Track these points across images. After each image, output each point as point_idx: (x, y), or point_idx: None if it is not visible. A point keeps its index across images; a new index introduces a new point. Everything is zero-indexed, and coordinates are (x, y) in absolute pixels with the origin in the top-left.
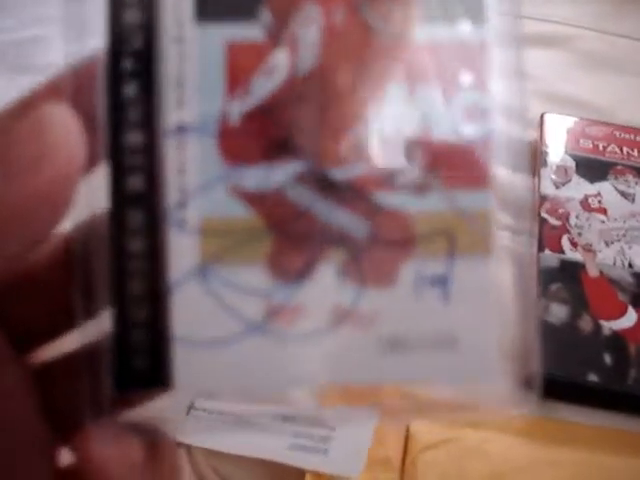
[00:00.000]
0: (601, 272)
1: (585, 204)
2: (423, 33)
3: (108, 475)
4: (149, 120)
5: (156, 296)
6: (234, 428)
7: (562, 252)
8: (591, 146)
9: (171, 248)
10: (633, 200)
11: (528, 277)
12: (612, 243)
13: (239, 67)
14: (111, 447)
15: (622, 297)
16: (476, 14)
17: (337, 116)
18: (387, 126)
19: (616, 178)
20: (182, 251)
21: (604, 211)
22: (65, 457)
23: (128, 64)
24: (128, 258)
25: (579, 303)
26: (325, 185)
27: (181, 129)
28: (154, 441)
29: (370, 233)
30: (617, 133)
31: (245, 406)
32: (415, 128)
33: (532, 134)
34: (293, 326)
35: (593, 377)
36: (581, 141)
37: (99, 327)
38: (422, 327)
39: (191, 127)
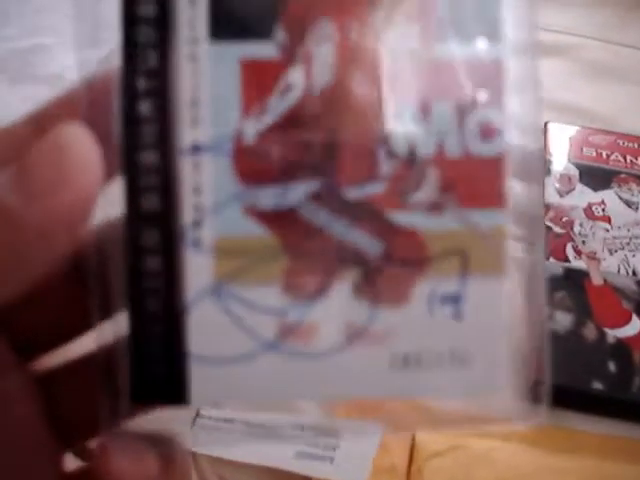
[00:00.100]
0: (605, 280)
1: (589, 212)
2: (438, 50)
3: None
4: (164, 139)
5: (172, 314)
6: (240, 436)
7: (566, 260)
8: (594, 155)
9: (186, 267)
10: (637, 208)
11: (538, 288)
12: (616, 251)
13: (254, 86)
14: (128, 460)
15: (626, 305)
16: (492, 31)
17: (351, 135)
18: (401, 145)
19: (620, 186)
20: (197, 270)
21: (608, 219)
22: (70, 463)
23: (142, 82)
24: (144, 277)
25: (583, 311)
26: (340, 204)
27: (196, 148)
28: (168, 453)
29: (384, 252)
30: (620, 142)
31: (252, 415)
32: (429, 146)
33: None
34: (307, 344)
35: (598, 385)
36: (584, 150)
37: (114, 339)
38: (435, 345)
39: (206, 146)
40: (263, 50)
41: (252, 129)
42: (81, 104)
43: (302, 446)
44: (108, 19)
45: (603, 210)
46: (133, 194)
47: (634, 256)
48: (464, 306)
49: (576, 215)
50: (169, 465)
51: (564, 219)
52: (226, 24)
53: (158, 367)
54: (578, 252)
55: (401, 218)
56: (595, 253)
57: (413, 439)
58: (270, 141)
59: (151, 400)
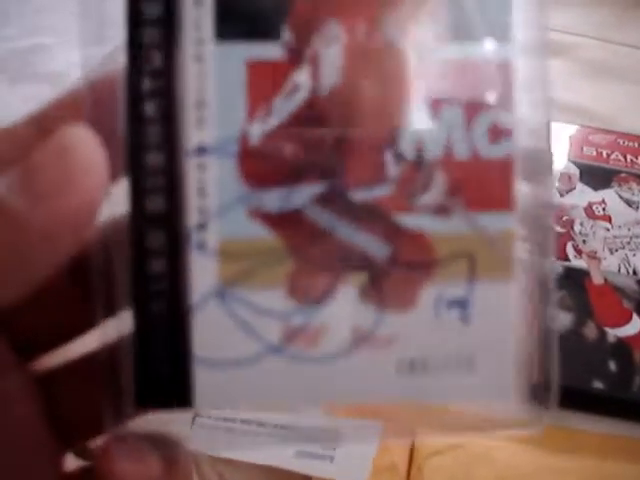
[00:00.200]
0: (606, 279)
1: (589, 212)
2: (447, 51)
3: None
4: (169, 140)
5: (177, 316)
6: (240, 435)
7: (567, 259)
8: (595, 154)
9: (191, 269)
10: (637, 208)
11: (546, 290)
12: (616, 250)
13: (260, 87)
14: (131, 461)
15: (627, 304)
16: (501, 32)
17: (358, 136)
18: (409, 146)
19: (620, 186)
20: (202, 272)
21: (608, 219)
22: (70, 463)
23: (147, 83)
24: (149, 279)
25: (584, 310)
26: (346, 207)
27: (201, 150)
28: (171, 455)
29: (391, 255)
30: (620, 141)
31: (252, 415)
32: (438, 149)
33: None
34: (312, 348)
35: (598, 384)
36: (585, 149)
37: (117, 339)
38: (441, 349)
39: (211, 148)
40: (269, 51)
41: (258, 130)
42: (85, 105)
43: (302, 445)
44: (113, 17)
45: (603, 209)
46: (138, 195)
47: (634, 255)
48: (471, 310)
49: (576, 214)
50: (172, 467)
51: (564, 218)
52: (232, 24)
53: (162, 370)
54: (578, 251)
55: (408, 221)
56: (595, 252)
57: None
58: (276, 143)
59: (155, 403)
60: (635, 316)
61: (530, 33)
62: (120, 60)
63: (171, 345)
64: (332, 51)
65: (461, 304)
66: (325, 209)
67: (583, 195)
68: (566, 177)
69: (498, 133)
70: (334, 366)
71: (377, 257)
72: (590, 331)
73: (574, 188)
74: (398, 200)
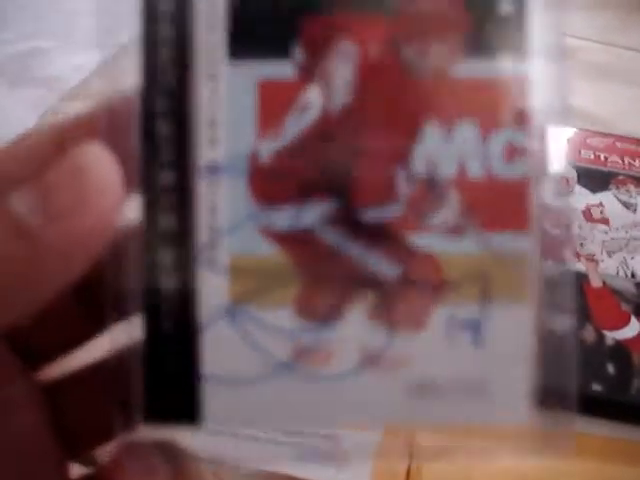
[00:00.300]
0: (604, 282)
1: (587, 214)
2: (461, 69)
3: None
4: (181, 159)
5: (186, 333)
6: (240, 439)
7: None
8: (592, 157)
9: (201, 287)
10: (635, 210)
11: (564, 299)
12: (614, 253)
13: (271, 106)
14: (140, 474)
15: (625, 307)
16: (517, 49)
17: (370, 155)
18: (422, 166)
19: (618, 188)
20: (212, 290)
21: (606, 221)
22: (76, 472)
23: (160, 102)
24: (159, 296)
25: (582, 313)
26: (356, 226)
27: (213, 168)
28: (181, 468)
29: (401, 276)
30: (618, 144)
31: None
32: (451, 168)
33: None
34: (322, 367)
35: (597, 387)
36: (582, 152)
37: (126, 351)
38: (452, 372)
39: (223, 166)
40: (281, 70)
41: (269, 149)
42: (101, 122)
43: (302, 449)
44: (126, 29)
45: (601, 212)
46: (150, 213)
47: (633, 258)
48: (484, 332)
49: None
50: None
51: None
52: (244, 43)
53: (172, 387)
54: (576, 254)
55: (420, 241)
56: (593, 255)
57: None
58: (286, 161)
59: (164, 420)
60: (633, 319)
61: (547, 44)
62: (123, 59)
63: (181, 362)
64: (344, 69)
65: (473, 326)
66: (335, 228)
67: (581, 198)
68: (564, 180)
69: (514, 152)
70: (343, 386)
71: (387, 277)
72: (588, 334)
73: (571, 191)
74: (410, 220)
